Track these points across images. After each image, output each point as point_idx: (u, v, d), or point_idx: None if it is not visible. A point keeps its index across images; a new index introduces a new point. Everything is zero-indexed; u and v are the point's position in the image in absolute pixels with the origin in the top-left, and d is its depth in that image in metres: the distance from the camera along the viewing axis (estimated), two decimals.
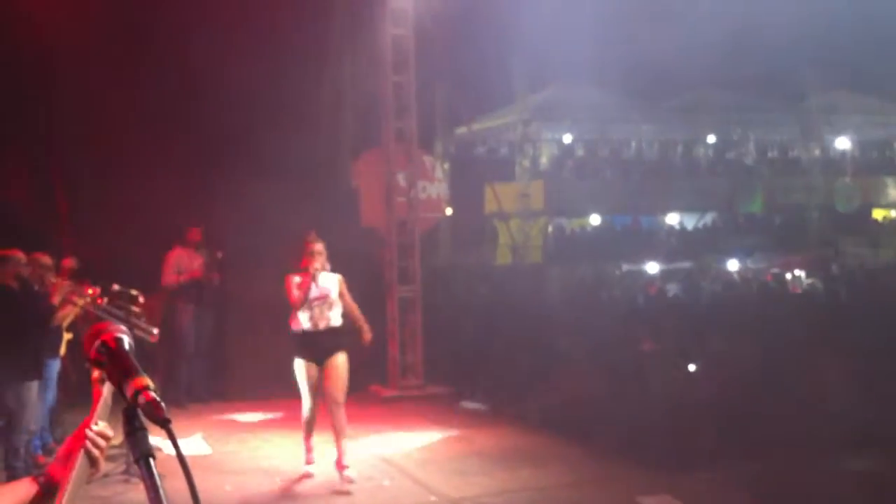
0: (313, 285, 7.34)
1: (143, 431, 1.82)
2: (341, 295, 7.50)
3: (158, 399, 1.80)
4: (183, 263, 10.72)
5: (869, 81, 26.36)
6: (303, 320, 7.39)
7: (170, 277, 10.61)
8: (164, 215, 10.80)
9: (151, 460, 1.80)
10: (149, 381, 1.83)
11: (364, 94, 12.50)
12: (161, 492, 1.76)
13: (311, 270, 7.32)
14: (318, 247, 7.43)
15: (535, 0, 18.88)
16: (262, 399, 10.67)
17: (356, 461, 8.30)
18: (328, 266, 7.51)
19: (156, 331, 7.69)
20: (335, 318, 7.44)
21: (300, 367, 7.43)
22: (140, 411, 1.79)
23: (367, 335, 7.77)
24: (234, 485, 7.51)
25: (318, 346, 7.38)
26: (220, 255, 10.68)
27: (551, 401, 9.81)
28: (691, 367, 9.75)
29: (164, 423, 1.77)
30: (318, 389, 7.45)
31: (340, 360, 7.41)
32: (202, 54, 11.40)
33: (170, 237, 10.90)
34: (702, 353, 10.23)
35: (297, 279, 7.39)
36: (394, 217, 11.72)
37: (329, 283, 7.46)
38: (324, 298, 7.39)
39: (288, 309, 7.53)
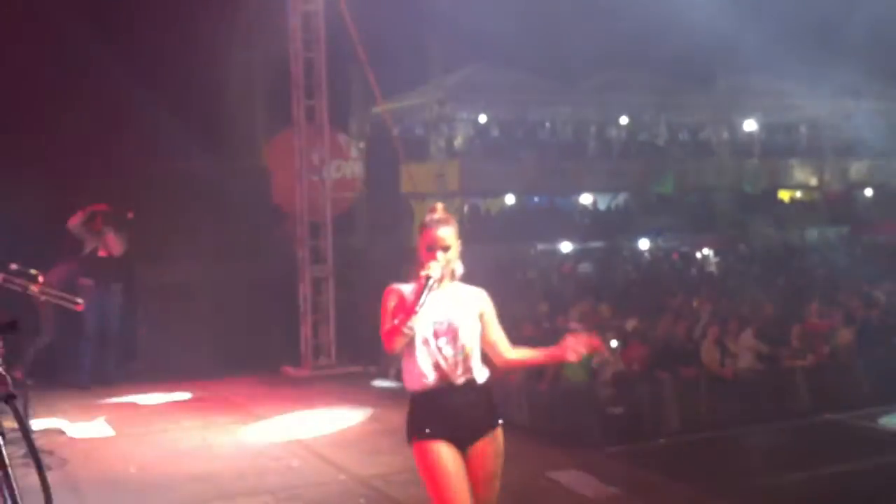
0: (428, 304, 4.04)
1: None
2: (485, 325, 4.28)
3: (3, 372, 1.70)
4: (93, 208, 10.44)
5: (777, 65, 26.96)
6: (423, 369, 4.12)
7: (75, 219, 10.31)
8: (65, 193, 10.49)
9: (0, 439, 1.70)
10: None
11: (277, 72, 12.31)
12: (10, 471, 1.67)
13: (425, 277, 4.06)
14: (446, 233, 4.19)
15: None
16: (170, 381, 10.48)
17: (266, 441, 8.22)
18: (460, 270, 4.30)
19: (79, 299, 7.45)
20: (477, 367, 4.22)
21: (430, 452, 4.07)
22: None
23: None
24: (138, 467, 7.35)
25: (456, 415, 4.13)
26: (130, 215, 10.38)
27: None
28: (613, 344, 9.85)
29: (6, 399, 1.68)
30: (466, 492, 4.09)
31: (497, 445, 4.20)
32: (107, 30, 11.10)
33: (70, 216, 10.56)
34: (619, 330, 10.35)
35: (399, 292, 4.18)
36: (305, 196, 11.57)
37: (464, 303, 4.24)
38: (452, 332, 4.14)
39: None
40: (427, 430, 4.10)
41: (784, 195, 30.55)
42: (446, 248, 4.18)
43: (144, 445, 8.08)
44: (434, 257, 4.15)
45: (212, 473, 7.18)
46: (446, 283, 4.20)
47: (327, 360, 11.43)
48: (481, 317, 4.26)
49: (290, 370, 11.34)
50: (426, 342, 4.11)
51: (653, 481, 7.07)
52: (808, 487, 6.82)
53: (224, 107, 12.27)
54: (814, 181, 30.30)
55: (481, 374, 4.23)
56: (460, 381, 4.15)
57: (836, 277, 14.69)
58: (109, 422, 8.79)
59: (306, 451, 7.83)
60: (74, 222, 10.37)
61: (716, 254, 20.85)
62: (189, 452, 7.81)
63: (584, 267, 18.89)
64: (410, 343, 4.09)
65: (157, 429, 8.74)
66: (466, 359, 4.17)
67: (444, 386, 4.13)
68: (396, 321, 4.04)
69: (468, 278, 4.34)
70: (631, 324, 10.37)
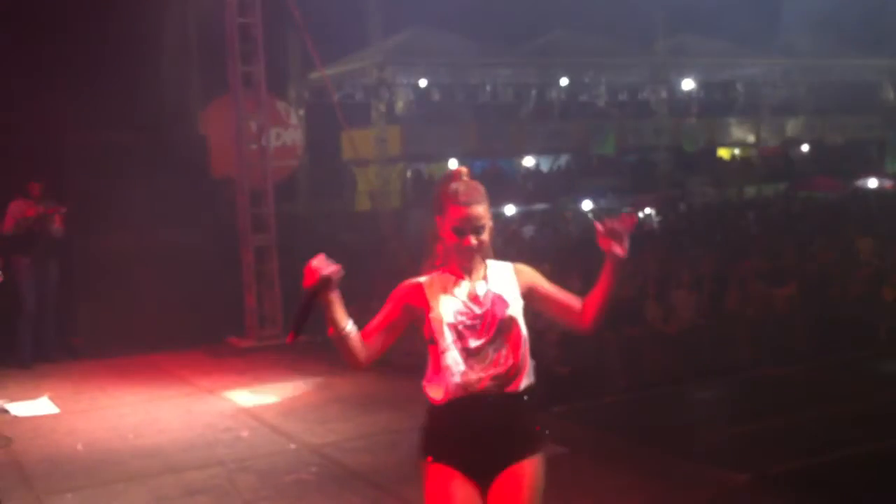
0: (465, 296, 3.33)
1: None
2: (544, 298, 3.45)
3: None
4: (25, 214, 10.17)
5: (714, 24, 27.23)
6: (446, 375, 3.29)
7: (8, 225, 10.06)
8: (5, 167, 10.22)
9: None
10: None
11: (212, 37, 12.08)
12: None
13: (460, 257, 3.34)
14: (481, 209, 3.30)
15: None
16: (113, 355, 10.35)
17: (214, 412, 8.16)
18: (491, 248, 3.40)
19: None
20: (518, 372, 3.33)
21: (437, 482, 3.31)
22: None
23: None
24: (85, 444, 7.25)
25: (479, 436, 3.29)
26: (61, 208, 10.16)
27: (411, 346, 9.84)
28: None
29: None
30: None
31: (531, 479, 3.33)
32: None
33: (8, 192, 10.30)
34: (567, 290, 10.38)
35: (408, 288, 3.39)
36: (245, 164, 11.42)
37: (502, 283, 3.38)
38: (494, 324, 3.30)
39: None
40: (439, 453, 3.32)
41: (723, 153, 30.94)
42: (480, 230, 3.30)
43: (90, 422, 7.97)
44: (468, 242, 3.28)
45: (160, 447, 7.12)
46: (479, 267, 3.37)
47: (273, 330, 11.35)
48: (531, 293, 3.40)
49: (235, 341, 11.24)
50: (454, 342, 3.27)
51: (598, 438, 7.16)
52: (751, 440, 6.96)
53: (158, 75, 12.00)
54: (751, 138, 30.72)
55: (525, 381, 3.35)
56: (493, 390, 3.29)
57: (773, 233, 14.91)
58: (53, 399, 8.65)
59: (255, 422, 7.80)
60: (8, 228, 10.08)
61: (657, 213, 21.07)
62: (136, 427, 7.73)
63: (528, 230, 18.96)
64: (433, 344, 3.31)
65: (102, 405, 8.62)
66: (507, 361, 3.31)
67: (470, 397, 3.27)
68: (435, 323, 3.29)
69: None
70: (574, 285, 10.44)
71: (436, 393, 3.32)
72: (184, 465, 6.66)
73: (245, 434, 7.42)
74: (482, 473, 3.30)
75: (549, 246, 15.98)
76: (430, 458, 3.32)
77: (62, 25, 11.35)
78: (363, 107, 25.48)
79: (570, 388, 8.53)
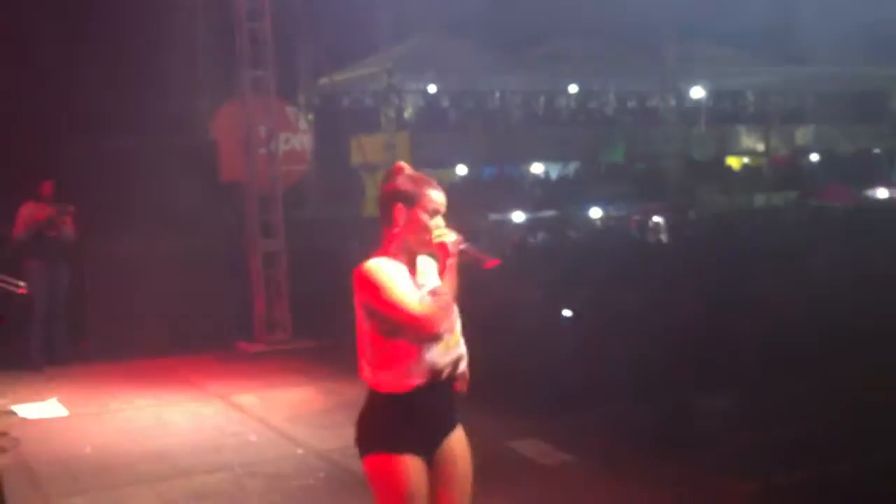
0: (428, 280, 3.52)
1: None
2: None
3: None
4: (35, 217, 10.20)
5: (723, 32, 27.20)
6: (422, 364, 3.36)
7: (19, 229, 10.10)
8: (10, 172, 10.25)
9: None
10: None
11: (221, 43, 12.12)
12: None
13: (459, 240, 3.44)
14: (443, 196, 3.46)
15: None
16: (122, 359, 10.35)
17: (223, 417, 8.16)
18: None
19: (21, 283, 7.31)
20: (463, 350, 3.59)
21: (395, 470, 3.36)
22: None
23: None
24: (94, 447, 7.25)
25: (431, 418, 3.47)
26: (71, 209, 10.19)
27: None
28: (565, 313, 9.88)
29: None
30: None
31: (464, 442, 3.62)
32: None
33: (18, 196, 10.33)
34: (574, 299, 10.40)
35: (392, 265, 3.39)
36: (254, 169, 11.44)
37: (433, 275, 3.54)
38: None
39: None
40: (397, 442, 3.37)
41: (733, 162, 30.90)
42: (441, 214, 3.46)
43: (99, 425, 7.98)
44: (434, 229, 3.42)
45: (169, 451, 7.12)
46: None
47: (282, 335, 11.36)
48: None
49: (244, 345, 11.26)
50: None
51: (606, 446, 7.13)
52: (761, 448, 6.92)
53: (167, 75, 12.04)
54: (761, 147, 30.68)
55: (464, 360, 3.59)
56: (447, 372, 3.45)
57: (783, 242, 14.88)
58: (62, 402, 8.66)
59: (263, 426, 7.79)
60: (19, 232, 10.11)
61: (666, 221, 21.04)
62: (145, 431, 7.73)
63: (539, 236, 18.97)
64: (397, 333, 3.33)
65: (112, 408, 8.63)
66: (458, 343, 3.52)
67: (431, 382, 3.39)
68: (445, 294, 3.36)
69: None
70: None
71: (399, 383, 3.36)
72: (192, 468, 6.66)
73: (253, 438, 7.43)
74: (429, 450, 3.46)
75: (560, 251, 15.98)
76: (386, 451, 3.37)
77: (71, 28, 11.40)
78: (372, 112, 25.54)
79: (580, 395, 8.50)
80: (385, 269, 3.34)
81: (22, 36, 11.07)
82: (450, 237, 3.40)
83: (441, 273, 3.42)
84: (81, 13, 11.33)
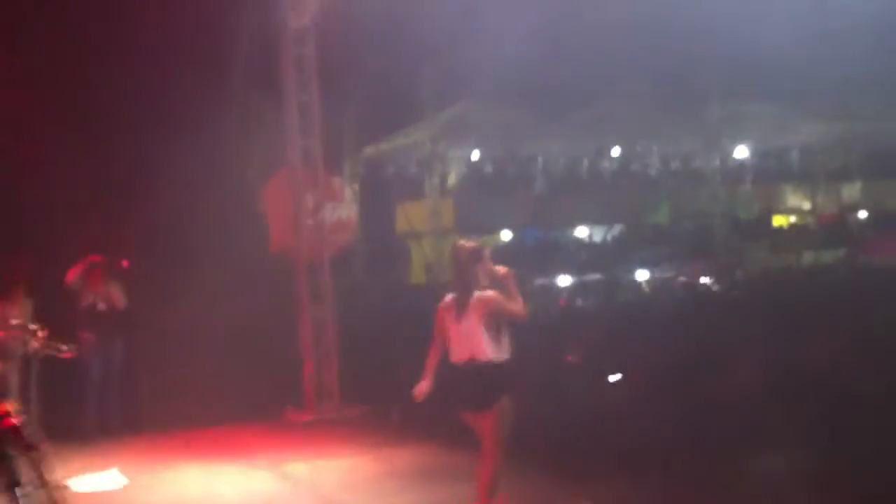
0: None
1: (10, 459, 1.73)
2: None
3: (20, 425, 1.71)
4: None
5: (767, 89, 27.10)
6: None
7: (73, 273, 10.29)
8: (64, 238, 10.49)
9: (17, 489, 1.70)
10: (10, 408, 1.74)
11: (270, 115, 12.37)
12: None
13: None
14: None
15: (439, 18, 18.97)
16: (174, 429, 10.42)
17: (273, 486, 8.16)
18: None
19: (65, 347, 7.43)
20: None
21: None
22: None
23: None
24: None
25: None
26: (125, 264, 10.35)
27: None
28: (612, 378, 9.80)
29: (27, 450, 1.68)
30: None
31: None
32: (108, 76, 11.14)
33: (70, 260, 10.54)
34: (622, 363, 10.30)
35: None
36: (303, 239, 11.59)
37: None
38: None
39: None
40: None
41: (780, 220, 30.62)
42: None
43: (152, 496, 8.03)
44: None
45: None
46: None
47: (331, 403, 11.38)
48: None
49: (293, 414, 11.28)
50: None
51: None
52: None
53: (221, 151, 12.31)
54: (807, 205, 30.39)
55: None
56: None
57: (835, 301, 14.61)
58: (116, 473, 8.72)
59: (314, 496, 7.79)
60: (73, 276, 10.33)
61: (714, 280, 20.85)
62: (197, 501, 7.75)
63: (584, 299, 18.88)
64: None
65: (164, 479, 8.68)
66: None
67: None
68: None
69: None
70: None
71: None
72: None
73: None
74: None
75: (607, 315, 15.88)
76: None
77: (116, 114, 11.68)
78: (416, 179, 25.73)
79: (634, 459, 8.39)
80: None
81: (86, 113, 11.40)
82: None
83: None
84: (136, 82, 11.63)
